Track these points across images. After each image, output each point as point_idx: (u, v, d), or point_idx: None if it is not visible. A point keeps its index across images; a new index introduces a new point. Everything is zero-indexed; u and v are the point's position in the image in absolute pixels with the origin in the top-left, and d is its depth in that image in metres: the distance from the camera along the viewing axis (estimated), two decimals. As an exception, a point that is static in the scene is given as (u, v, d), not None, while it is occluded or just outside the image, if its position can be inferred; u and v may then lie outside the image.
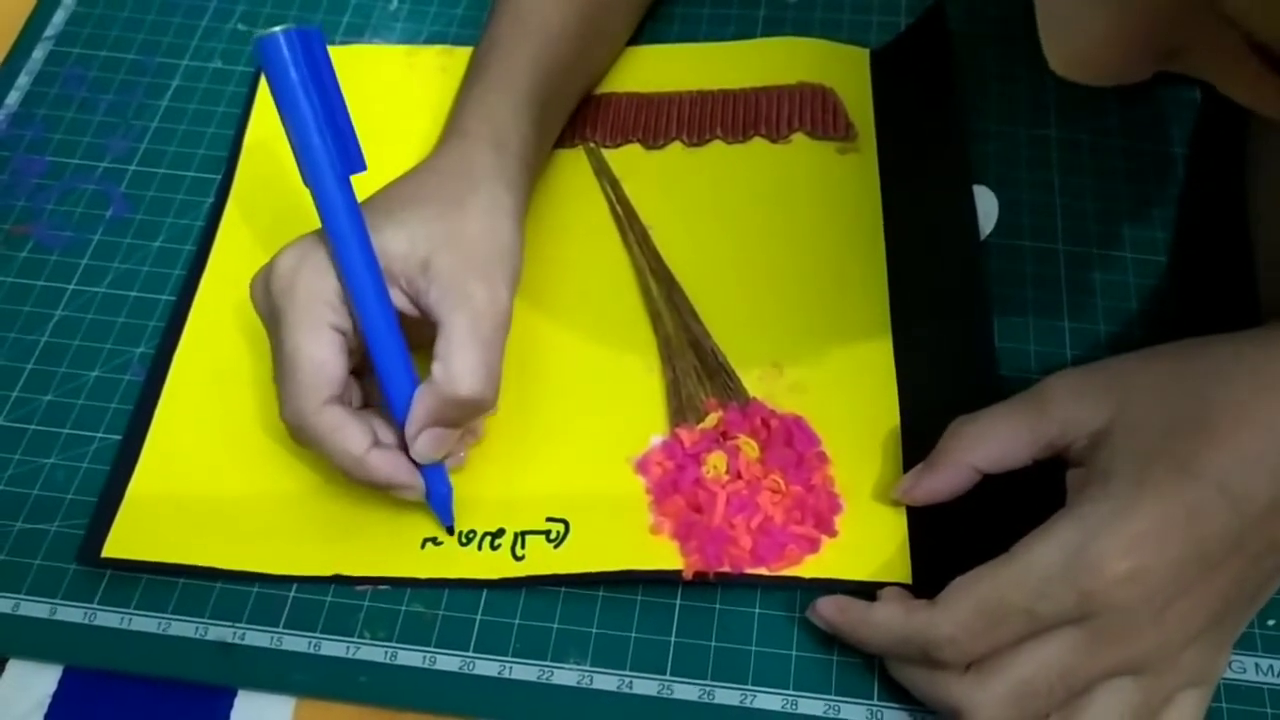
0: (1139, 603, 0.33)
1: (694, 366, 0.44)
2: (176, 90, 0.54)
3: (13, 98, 0.54)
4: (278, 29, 0.36)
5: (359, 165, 0.38)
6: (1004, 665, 0.34)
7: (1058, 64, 0.28)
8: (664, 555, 0.40)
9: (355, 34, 0.57)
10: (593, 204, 0.50)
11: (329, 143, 0.37)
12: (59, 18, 0.57)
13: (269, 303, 0.39)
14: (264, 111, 0.53)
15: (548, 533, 0.41)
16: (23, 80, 0.55)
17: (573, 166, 0.51)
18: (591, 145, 0.52)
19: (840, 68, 0.54)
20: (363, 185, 0.38)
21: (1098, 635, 0.34)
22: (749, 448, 0.42)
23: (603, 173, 0.51)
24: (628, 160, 0.51)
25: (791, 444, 0.42)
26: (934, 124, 0.50)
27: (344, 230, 0.37)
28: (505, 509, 0.42)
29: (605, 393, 0.44)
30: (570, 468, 0.43)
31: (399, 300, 0.39)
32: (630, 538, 0.40)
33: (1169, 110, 0.52)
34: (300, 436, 0.39)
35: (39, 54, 0.56)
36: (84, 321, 0.47)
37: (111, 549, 0.41)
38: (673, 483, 0.41)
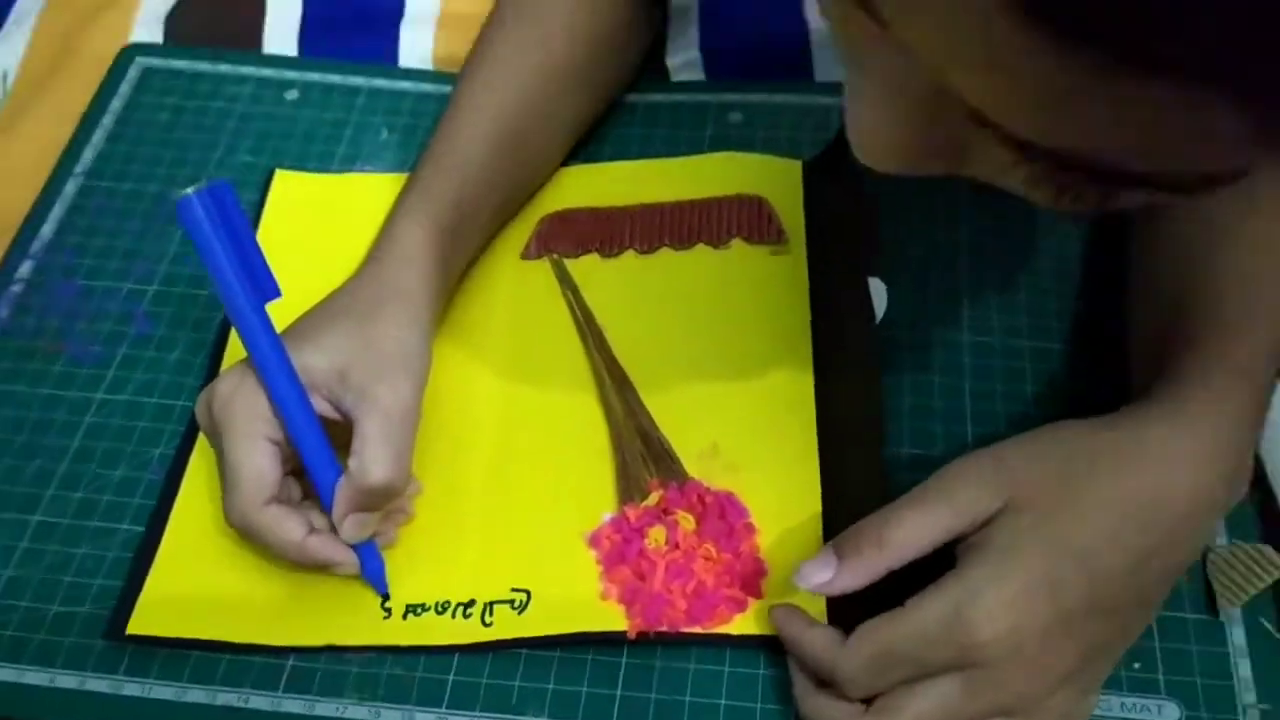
0: (1009, 657, 0.39)
1: (640, 452, 0.51)
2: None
3: (47, 229, 0.62)
4: (191, 190, 0.43)
5: (273, 294, 0.44)
6: (898, 704, 0.40)
7: (858, 155, 0.32)
8: (612, 618, 0.46)
9: (349, 163, 0.64)
10: (556, 310, 0.56)
11: (243, 280, 0.44)
12: (88, 155, 0.65)
13: (212, 423, 0.46)
14: (265, 234, 0.60)
15: (513, 601, 0.47)
16: (57, 210, 0.62)
17: (540, 277, 0.58)
18: (555, 257, 0.58)
19: (775, 178, 0.60)
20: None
21: (976, 682, 0.39)
22: (686, 521, 0.48)
23: (565, 281, 0.57)
24: (587, 269, 0.58)
25: (724, 517, 0.48)
26: (849, 226, 0.56)
27: (265, 354, 0.44)
28: (476, 581, 0.48)
29: (563, 476, 0.51)
30: (533, 543, 0.49)
31: (322, 407, 0.46)
32: (583, 603, 0.47)
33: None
34: (247, 534, 0.46)
35: (70, 188, 0.63)
36: (110, 427, 0.54)
37: (135, 626, 0.47)
38: (620, 554, 0.47)
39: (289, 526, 0.45)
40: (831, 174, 0.59)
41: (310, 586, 0.48)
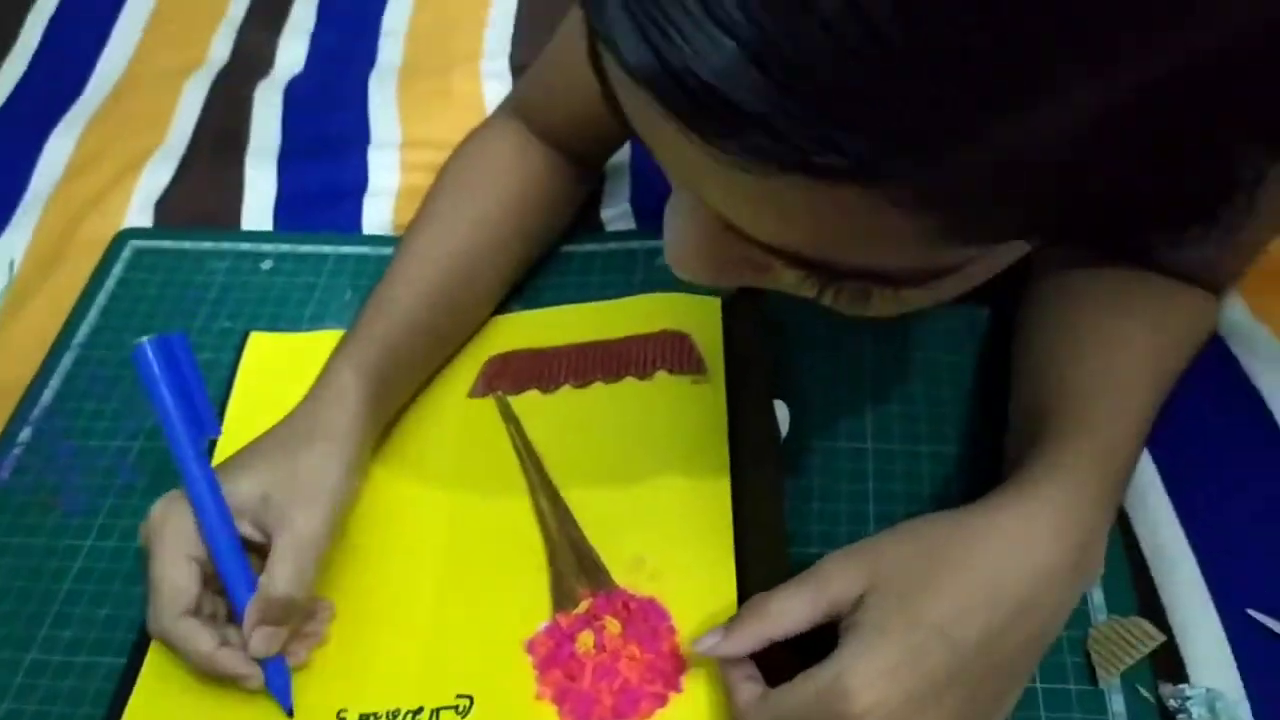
0: None
1: (573, 565, 0.56)
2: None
3: (46, 396, 0.68)
4: (145, 339, 0.52)
5: (212, 430, 0.53)
6: None
7: (674, 267, 0.38)
8: (546, 717, 0.50)
9: (316, 321, 0.71)
10: (500, 442, 0.62)
11: (182, 416, 0.52)
12: (84, 330, 0.72)
13: (146, 541, 0.52)
14: (241, 389, 0.67)
15: (457, 706, 0.52)
16: (54, 381, 0.69)
17: (485, 413, 0.64)
18: (499, 395, 0.65)
19: (697, 314, 0.67)
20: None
21: None
22: (613, 625, 0.53)
23: (508, 416, 0.64)
24: (528, 404, 0.64)
25: (647, 620, 0.53)
26: (761, 355, 0.62)
27: (195, 480, 0.51)
28: (423, 689, 0.52)
29: (503, 590, 0.56)
30: (475, 651, 0.54)
31: (247, 530, 0.52)
32: (520, 704, 0.51)
33: (963, 326, 0.65)
34: (165, 642, 0.51)
35: (67, 360, 0.70)
36: (96, 570, 0.60)
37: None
38: (552, 657, 0.52)
39: (200, 638, 0.50)
40: (746, 310, 0.66)
41: (273, 709, 0.53)
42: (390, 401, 0.61)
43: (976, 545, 0.46)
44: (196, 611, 0.51)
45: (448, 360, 0.66)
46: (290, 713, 0.52)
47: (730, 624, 0.48)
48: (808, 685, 0.44)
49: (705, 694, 0.50)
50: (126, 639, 0.57)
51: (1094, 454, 0.49)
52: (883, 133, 0.26)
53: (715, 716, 0.50)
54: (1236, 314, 0.64)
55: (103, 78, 0.89)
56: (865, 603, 0.46)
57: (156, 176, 0.80)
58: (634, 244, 0.73)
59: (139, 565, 0.59)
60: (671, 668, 0.51)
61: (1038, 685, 0.51)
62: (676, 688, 0.51)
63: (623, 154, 0.77)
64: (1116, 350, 0.54)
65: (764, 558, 0.54)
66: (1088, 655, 0.51)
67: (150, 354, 0.52)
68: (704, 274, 0.38)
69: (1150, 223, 0.32)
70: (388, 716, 0.52)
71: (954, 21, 0.24)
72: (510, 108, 0.70)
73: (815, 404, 0.62)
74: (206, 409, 0.53)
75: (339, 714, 0.52)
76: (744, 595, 0.54)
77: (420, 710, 0.52)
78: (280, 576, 0.50)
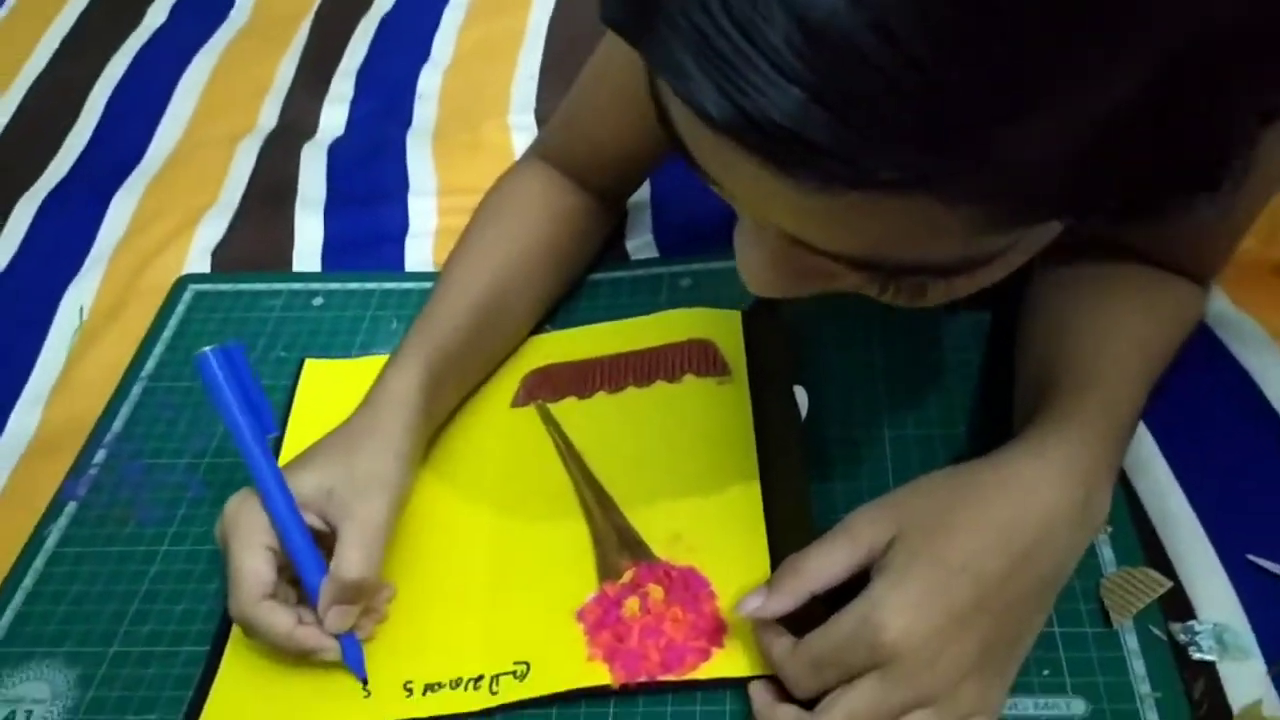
0: (915, 652, 0.47)
1: (616, 542, 0.60)
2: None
3: (117, 424, 0.73)
4: (208, 349, 0.57)
5: (271, 428, 0.57)
6: (833, 703, 0.48)
7: (748, 286, 0.44)
8: (598, 674, 0.54)
9: (365, 349, 0.76)
10: (543, 444, 0.67)
11: (247, 418, 0.56)
12: (150, 364, 0.77)
13: (222, 534, 0.56)
14: (299, 411, 0.72)
15: (515, 672, 0.56)
16: (124, 410, 0.74)
17: (528, 421, 0.69)
18: (540, 403, 0.70)
19: (719, 325, 0.72)
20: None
21: (891, 678, 0.47)
22: (656, 592, 0.57)
23: (549, 421, 0.68)
24: (567, 410, 0.69)
25: (688, 587, 0.57)
26: (780, 354, 0.67)
27: (265, 477, 0.56)
28: (483, 659, 0.56)
29: (553, 568, 0.60)
30: (530, 623, 0.58)
31: (314, 521, 0.56)
32: (573, 666, 0.55)
33: (967, 328, 0.70)
34: (245, 626, 0.56)
35: (136, 391, 0.75)
36: (172, 572, 0.64)
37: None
38: (601, 622, 0.56)
39: (279, 619, 0.55)
40: (763, 317, 0.71)
41: (347, 682, 0.57)
42: (438, 406, 0.66)
43: (992, 492, 0.51)
44: (274, 596, 0.56)
45: (489, 375, 0.71)
46: (365, 682, 0.56)
47: (770, 584, 0.52)
48: (841, 622, 0.48)
49: (744, 648, 0.54)
50: (204, 630, 0.61)
51: (1097, 407, 0.54)
52: (932, 143, 0.31)
53: (755, 665, 0.53)
54: (1220, 305, 0.69)
55: (160, 145, 0.97)
56: (893, 547, 0.50)
57: (212, 228, 0.86)
58: (658, 269, 0.79)
59: (212, 565, 0.64)
60: (713, 627, 0.55)
61: (1055, 630, 0.54)
62: (719, 644, 0.55)
63: (643, 191, 0.84)
64: (1113, 328, 0.59)
65: (792, 528, 0.58)
66: (1100, 602, 0.55)
67: (213, 360, 0.57)
68: (778, 288, 0.43)
69: (1166, 190, 0.36)
70: (451, 684, 0.56)
71: (972, 38, 0.29)
72: (538, 151, 0.77)
73: (833, 395, 0.67)
74: (266, 410, 0.58)
75: (405, 684, 0.56)
76: (776, 563, 0.58)
77: (481, 678, 0.56)
78: (350, 560, 0.55)
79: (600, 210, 0.77)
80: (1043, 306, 0.63)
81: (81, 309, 0.82)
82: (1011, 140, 0.31)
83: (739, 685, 0.53)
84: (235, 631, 0.60)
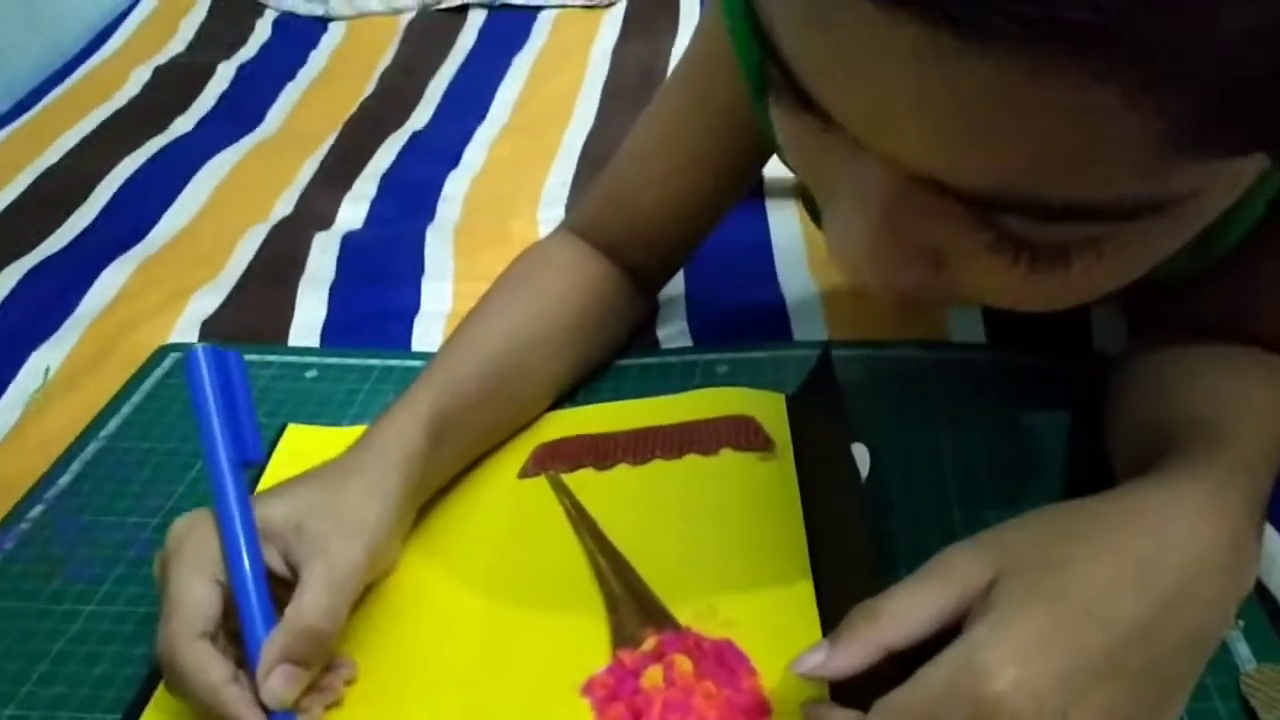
0: (1027, 712, 0.36)
1: (635, 611, 0.49)
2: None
3: (64, 479, 0.64)
4: (199, 346, 0.49)
5: (254, 456, 0.49)
6: None
7: (845, 273, 0.36)
8: (606, 758, 0.43)
9: (357, 422, 0.67)
10: (552, 510, 0.57)
11: (224, 432, 0.48)
12: (113, 424, 0.68)
13: (162, 558, 0.47)
14: (270, 476, 0.62)
15: (502, 755, 0.44)
16: (75, 466, 0.65)
17: (537, 490, 0.59)
18: (552, 473, 0.60)
19: (761, 405, 0.63)
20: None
21: None
22: (683, 663, 0.46)
23: (560, 489, 0.59)
24: (582, 481, 0.59)
25: (724, 662, 0.46)
26: (830, 430, 0.58)
27: (227, 499, 0.46)
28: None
29: (555, 636, 0.49)
30: (523, 700, 0.46)
31: (274, 560, 0.47)
32: (575, 748, 0.43)
33: (1042, 421, 0.62)
34: (170, 667, 0.44)
35: (91, 449, 0.66)
36: (96, 632, 0.53)
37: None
38: (614, 695, 0.45)
39: (214, 667, 0.44)
40: (814, 399, 0.62)
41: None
42: (439, 463, 0.56)
43: (1118, 528, 0.40)
44: (214, 640, 0.45)
45: (496, 447, 0.62)
46: None
47: (837, 636, 0.41)
48: (934, 672, 0.37)
49: (796, 734, 0.43)
50: (120, 697, 0.49)
51: (1234, 464, 0.44)
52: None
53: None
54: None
55: (165, 228, 0.91)
56: (997, 586, 0.39)
57: (206, 302, 0.79)
58: (691, 356, 0.71)
59: (143, 628, 0.53)
60: (754, 705, 0.44)
61: (1189, 731, 0.43)
62: (762, 727, 0.43)
63: (676, 285, 0.77)
64: (1234, 393, 0.50)
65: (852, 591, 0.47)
66: (1243, 700, 0.44)
67: (202, 359, 0.49)
68: (876, 269, 0.35)
69: None
70: (423, 764, 0.44)
71: None
72: (570, 224, 0.71)
73: (894, 475, 0.58)
74: (253, 432, 0.49)
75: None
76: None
77: (465, 757, 0.44)
78: (312, 605, 0.45)
79: (633, 290, 0.70)
80: (1145, 374, 0.54)
81: (47, 369, 0.74)
82: (1219, 28, 0.25)
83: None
84: (156, 699, 0.48)
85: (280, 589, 0.47)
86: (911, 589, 0.40)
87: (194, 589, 0.45)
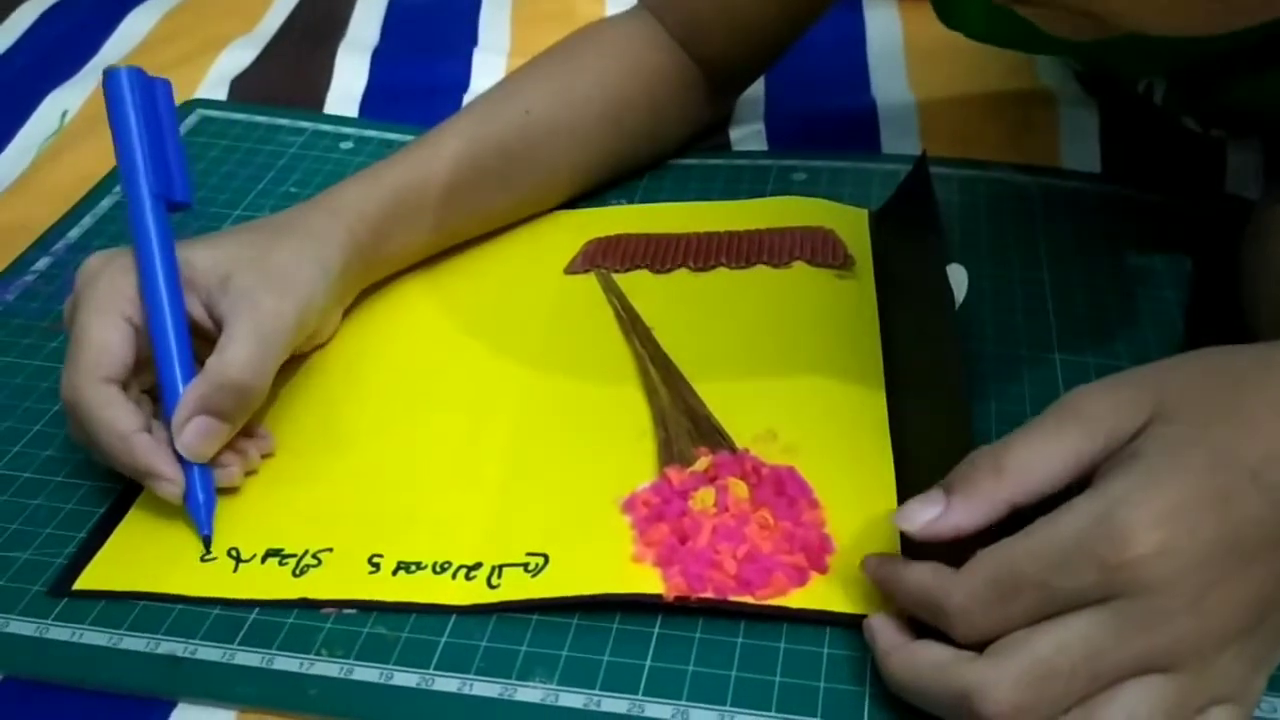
0: (1170, 584, 0.30)
1: (687, 429, 0.44)
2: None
3: (74, 232, 0.59)
4: (121, 67, 0.43)
5: (180, 196, 0.44)
6: (1020, 644, 0.31)
7: None
8: (645, 580, 0.38)
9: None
10: (600, 310, 0.52)
11: (148, 164, 0.43)
12: (130, 180, 0.63)
13: (73, 294, 0.42)
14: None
15: (526, 564, 0.39)
16: (87, 220, 0.60)
17: (584, 287, 0.53)
18: (603, 271, 0.54)
19: (842, 219, 0.57)
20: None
21: (1125, 618, 0.31)
22: (738, 488, 0.41)
23: (611, 290, 0.53)
24: (636, 282, 0.53)
25: (783, 491, 0.41)
26: (922, 250, 0.51)
27: (147, 238, 0.42)
28: (484, 544, 0.40)
29: (596, 447, 0.44)
30: (555, 508, 0.42)
31: (196, 310, 0.43)
32: (611, 565, 0.39)
33: (1159, 265, 0.55)
34: (75, 413, 0.41)
35: (106, 203, 0.61)
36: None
37: (85, 582, 0.40)
38: (658, 514, 0.40)
39: (120, 413, 0.40)
40: (905, 213, 0.55)
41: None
42: (400, 237, 0.51)
43: None
44: (123, 387, 0.41)
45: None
46: (208, 539, 0.41)
47: (951, 487, 0.35)
48: (1055, 528, 0.32)
49: (857, 579, 0.38)
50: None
51: None
52: None
53: (869, 601, 0.37)
54: None
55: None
56: (1148, 432, 0.33)
57: (236, 57, 0.73)
58: (767, 161, 0.64)
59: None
60: (815, 541, 0.39)
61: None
62: (821, 567, 0.38)
63: (756, 88, 0.69)
64: None
65: (944, 437, 0.42)
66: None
67: (125, 81, 0.43)
68: None
69: None
70: (435, 568, 0.39)
71: None
72: (647, 2, 0.62)
73: (987, 312, 0.51)
74: (180, 171, 0.45)
75: (372, 558, 0.40)
76: (905, 480, 0.42)
77: (478, 566, 0.39)
78: (237, 357, 0.41)
79: (704, 86, 0.62)
80: None
81: (64, 113, 0.68)
82: None
83: (842, 625, 0.37)
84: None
85: (199, 343, 0.43)
86: (1042, 435, 0.34)
87: (104, 330, 0.41)
